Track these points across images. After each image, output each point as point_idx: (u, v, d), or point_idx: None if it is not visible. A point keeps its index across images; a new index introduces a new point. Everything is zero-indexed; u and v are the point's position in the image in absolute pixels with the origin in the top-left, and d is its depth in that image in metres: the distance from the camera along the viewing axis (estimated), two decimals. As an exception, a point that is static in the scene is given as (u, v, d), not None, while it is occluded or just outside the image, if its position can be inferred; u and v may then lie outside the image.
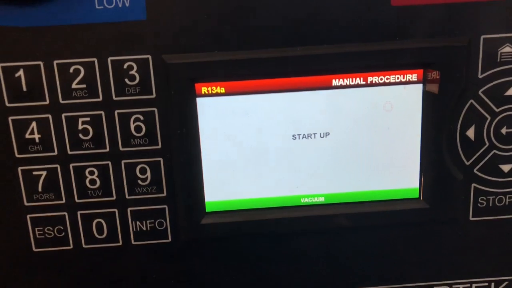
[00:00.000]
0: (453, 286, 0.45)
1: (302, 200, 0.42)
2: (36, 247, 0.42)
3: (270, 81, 0.39)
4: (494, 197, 0.42)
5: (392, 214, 0.42)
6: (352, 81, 0.40)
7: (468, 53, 0.39)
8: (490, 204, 0.42)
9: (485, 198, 0.42)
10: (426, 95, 0.40)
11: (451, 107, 0.40)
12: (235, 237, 0.43)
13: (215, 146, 0.41)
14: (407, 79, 0.40)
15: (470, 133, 0.41)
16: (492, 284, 0.45)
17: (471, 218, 0.43)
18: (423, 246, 0.44)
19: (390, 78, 0.40)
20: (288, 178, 0.42)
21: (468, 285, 0.45)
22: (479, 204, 0.43)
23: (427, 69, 0.39)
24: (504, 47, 0.39)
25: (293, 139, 0.41)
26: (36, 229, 0.42)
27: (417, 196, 0.43)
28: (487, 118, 0.40)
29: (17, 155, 0.40)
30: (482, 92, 0.40)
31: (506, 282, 0.45)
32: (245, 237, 0.43)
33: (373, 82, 0.40)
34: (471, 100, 0.40)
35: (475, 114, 0.40)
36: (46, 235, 0.42)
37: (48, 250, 0.42)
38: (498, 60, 0.39)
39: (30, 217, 0.41)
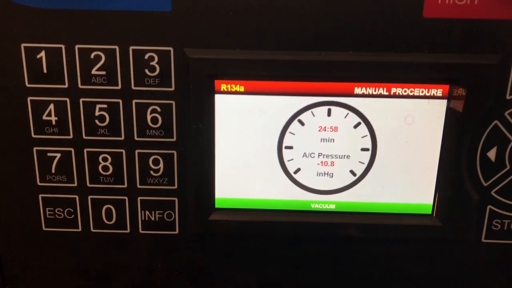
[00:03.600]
0: (458, 306, 0.45)
1: (312, 206, 0.42)
2: (46, 227, 0.43)
3: (290, 83, 0.39)
4: (509, 221, 0.41)
5: (402, 229, 0.41)
6: (375, 91, 0.39)
7: (498, 73, 0.37)
8: (505, 228, 0.41)
9: (500, 221, 0.41)
10: (449, 112, 0.39)
11: (474, 126, 0.39)
12: (242, 236, 0.43)
13: (229, 143, 0.40)
14: (432, 94, 0.39)
15: (492, 154, 0.40)
16: (499, 308, 0.45)
17: (483, 240, 0.42)
18: (432, 264, 0.43)
19: (414, 91, 0.39)
20: (300, 182, 0.41)
21: (474, 306, 0.45)
22: (493, 227, 0.42)
23: (453, 85, 0.38)
24: (536, 69, 0.37)
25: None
26: (47, 209, 0.42)
27: (430, 212, 0.42)
28: (510, 141, 0.39)
29: (33, 136, 0.40)
30: (509, 114, 0.39)
31: (513, 307, 0.44)
32: (252, 236, 0.43)
33: (397, 93, 0.39)
34: (496, 121, 0.39)
35: (498, 135, 0.39)
36: (56, 215, 0.42)
37: (57, 231, 0.43)
38: (529, 82, 0.38)
39: (42, 197, 0.42)
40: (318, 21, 0.37)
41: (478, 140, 0.39)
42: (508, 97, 0.38)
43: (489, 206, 0.41)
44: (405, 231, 0.41)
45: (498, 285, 0.44)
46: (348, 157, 0.41)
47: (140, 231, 0.42)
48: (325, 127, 0.40)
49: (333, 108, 0.39)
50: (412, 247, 0.43)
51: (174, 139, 0.40)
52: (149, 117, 0.39)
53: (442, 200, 0.41)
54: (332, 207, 0.42)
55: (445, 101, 0.39)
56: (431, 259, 0.43)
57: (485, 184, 0.40)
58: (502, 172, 0.40)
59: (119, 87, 0.39)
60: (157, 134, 0.40)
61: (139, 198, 0.41)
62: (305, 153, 0.41)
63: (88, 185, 0.41)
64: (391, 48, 0.37)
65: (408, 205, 0.42)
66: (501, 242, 0.42)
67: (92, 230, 0.43)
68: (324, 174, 0.41)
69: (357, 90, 0.39)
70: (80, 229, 0.43)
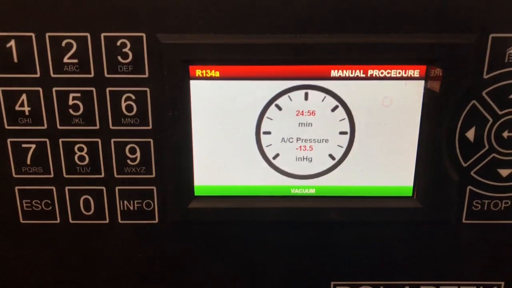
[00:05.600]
0: (441, 287, 0.45)
1: (292, 191, 0.42)
2: (23, 219, 0.42)
3: (266, 67, 0.38)
4: (489, 201, 0.41)
5: (383, 212, 0.41)
6: (352, 73, 0.38)
7: (475, 52, 0.37)
8: (485, 208, 0.41)
9: (480, 202, 0.41)
10: (427, 93, 0.39)
11: (452, 106, 0.38)
12: (222, 223, 0.42)
13: (207, 130, 0.40)
14: (409, 75, 0.38)
15: (470, 134, 0.39)
16: (481, 288, 0.45)
17: (464, 221, 0.42)
18: (413, 245, 0.43)
19: (391, 73, 0.38)
20: (279, 167, 0.41)
21: (456, 287, 0.45)
22: (473, 207, 0.41)
23: (430, 65, 0.38)
24: (513, 48, 0.37)
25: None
26: (24, 201, 0.41)
27: (410, 194, 0.42)
28: (488, 120, 0.39)
29: (6, 127, 0.39)
30: (486, 93, 0.38)
31: (495, 287, 0.44)
32: (233, 223, 0.42)
33: (373, 75, 0.38)
34: (474, 101, 0.39)
35: (476, 115, 0.39)
36: (34, 207, 0.42)
37: (35, 223, 0.42)
38: (506, 61, 0.37)
39: (18, 189, 0.41)
40: (292, 3, 0.36)
41: (456, 121, 0.39)
42: (485, 77, 0.38)
43: (469, 187, 0.41)
44: (386, 214, 0.41)
45: (480, 266, 0.44)
46: (326, 141, 0.40)
47: (120, 221, 0.42)
48: (302, 111, 0.39)
49: (310, 91, 0.39)
50: (394, 229, 0.42)
51: (150, 127, 0.39)
52: (123, 105, 0.39)
53: (422, 182, 0.41)
54: (312, 191, 0.42)
55: (422, 82, 0.39)
56: (413, 241, 0.43)
57: (464, 165, 0.40)
58: (481, 152, 0.40)
59: (92, 75, 0.38)
60: (132, 122, 0.39)
61: (117, 188, 0.41)
62: (283, 138, 0.40)
63: (65, 175, 0.41)
64: (367, 30, 0.37)
65: (388, 188, 0.41)
66: (481, 222, 0.42)
67: (70, 221, 0.42)
68: (303, 158, 0.41)
69: (334, 73, 0.38)
70: (58, 221, 0.42)
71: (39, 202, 0.41)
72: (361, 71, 0.38)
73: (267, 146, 0.40)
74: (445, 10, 0.36)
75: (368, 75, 0.38)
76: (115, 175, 0.41)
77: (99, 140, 0.40)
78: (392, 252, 0.43)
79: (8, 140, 0.39)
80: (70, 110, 0.39)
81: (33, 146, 0.40)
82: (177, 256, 0.43)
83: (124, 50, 0.37)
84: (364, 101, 0.39)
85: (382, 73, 0.38)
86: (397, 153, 0.40)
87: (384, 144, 0.40)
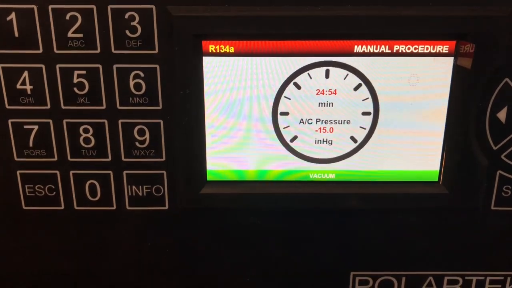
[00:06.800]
0: (466, 278, 0.42)
1: (311, 176, 0.39)
2: (26, 205, 0.40)
3: (284, 43, 0.36)
4: (520, 186, 0.39)
5: (407, 198, 0.39)
6: (376, 49, 0.36)
7: (509, 26, 0.34)
8: (516, 194, 0.39)
9: (510, 187, 0.39)
10: (456, 70, 0.36)
11: (483, 85, 0.36)
12: (235, 210, 0.40)
13: (220, 110, 0.37)
14: (437, 51, 0.36)
15: (502, 115, 0.37)
16: (508, 279, 0.42)
17: (493, 208, 0.40)
18: (438, 233, 0.41)
19: (418, 48, 0.36)
20: (297, 151, 0.39)
21: (483, 277, 0.42)
22: (503, 193, 0.39)
23: (460, 40, 0.36)
24: (551, 21, 0.35)
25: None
26: (26, 186, 0.39)
27: (436, 179, 0.39)
28: (522, 100, 0.37)
29: (7, 106, 0.37)
30: (520, 70, 0.36)
31: (524, 278, 0.42)
32: (247, 210, 0.40)
33: (399, 51, 0.36)
34: (507, 79, 0.36)
35: (509, 94, 0.36)
36: (37, 193, 0.40)
37: (38, 209, 0.40)
38: (542, 35, 0.35)
39: (20, 173, 0.39)
40: (313, -27, 0.34)
41: (487, 100, 0.37)
42: (520, 52, 0.35)
43: (499, 171, 0.39)
44: (410, 201, 0.39)
45: (508, 255, 0.42)
46: (348, 122, 0.38)
47: (127, 207, 0.40)
48: (323, 90, 0.37)
49: (331, 69, 0.37)
50: (418, 217, 0.40)
51: (160, 107, 0.37)
52: (132, 83, 0.36)
53: (449, 166, 0.39)
54: (332, 176, 0.39)
55: (451, 59, 0.36)
56: (438, 229, 0.41)
57: (494, 148, 0.38)
58: (513, 134, 0.38)
59: (98, 51, 0.36)
60: (141, 101, 0.37)
61: (124, 172, 0.39)
62: (302, 119, 0.38)
63: (69, 159, 0.38)
64: (393, 2, 0.34)
65: (413, 173, 0.39)
66: (511, 209, 0.40)
67: (75, 207, 0.40)
68: (323, 141, 0.39)
69: (357, 49, 0.36)
70: (62, 207, 0.40)
71: (42, 187, 0.39)
72: (387, 46, 0.36)
73: (284, 128, 0.38)
74: (478, -20, 0.34)
75: (394, 51, 0.36)
76: (123, 159, 0.38)
77: (106, 121, 0.37)
78: (415, 241, 0.41)
79: (9, 121, 0.37)
80: (75, 89, 0.36)
81: (36, 127, 0.38)
82: (188, 245, 0.41)
83: (132, 23, 0.35)
84: (389, 79, 0.37)
85: (408, 48, 0.36)
86: (423, 136, 0.38)
87: (410, 125, 0.38)
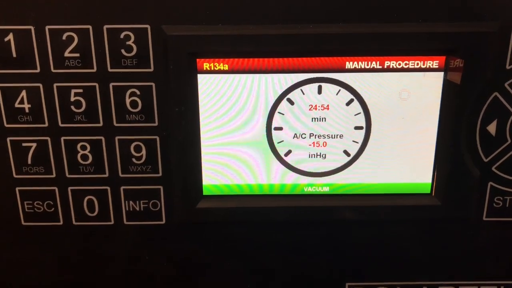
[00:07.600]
0: (460, 287, 0.43)
1: (305, 189, 0.40)
2: (25, 221, 0.40)
3: (277, 60, 0.36)
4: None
5: (400, 210, 0.39)
6: (368, 65, 0.37)
7: (497, 41, 0.35)
8: (507, 205, 0.40)
9: (501, 198, 0.40)
10: (446, 84, 0.37)
11: (473, 99, 0.37)
12: (231, 223, 0.40)
13: (215, 126, 0.38)
14: (427, 66, 0.37)
15: (492, 128, 0.38)
16: (501, 288, 0.43)
17: (484, 218, 0.40)
18: (431, 244, 0.41)
19: (409, 64, 0.37)
20: (291, 165, 0.39)
21: (476, 287, 0.43)
22: (494, 204, 0.40)
23: (450, 56, 0.36)
24: (538, 37, 0.35)
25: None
26: (25, 202, 0.40)
27: (428, 191, 0.40)
28: (511, 113, 0.37)
29: (6, 125, 0.38)
30: (509, 85, 0.36)
31: (517, 287, 0.43)
32: (242, 223, 0.40)
33: (390, 67, 0.37)
34: (496, 93, 0.37)
35: (498, 108, 0.37)
36: (36, 209, 0.40)
37: (37, 225, 0.41)
38: (530, 50, 0.36)
39: (19, 190, 0.39)
40: (304, -8, 0.34)
41: (477, 114, 0.37)
42: (508, 67, 0.36)
43: (490, 183, 0.39)
44: (403, 212, 0.39)
45: (501, 265, 0.42)
46: (341, 136, 0.38)
47: (125, 222, 0.40)
48: (316, 105, 0.38)
49: (323, 84, 0.37)
50: (411, 228, 0.41)
51: (156, 124, 0.37)
52: (128, 100, 0.37)
53: (441, 178, 0.39)
54: (326, 189, 0.40)
55: (441, 74, 0.37)
56: (431, 239, 0.41)
57: (485, 160, 0.39)
58: (503, 146, 0.38)
59: (95, 69, 0.36)
60: (137, 118, 0.37)
61: (122, 188, 0.39)
62: (295, 134, 0.39)
63: (68, 175, 0.39)
64: (383, 19, 0.35)
65: (405, 185, 0.40)
66: (503, 220, 0.40)
67: (74, 223, 0.40)
68: (317, 155, 0.39)
69: (349, 65, 0.37)
70: (61, 223, 0.40)
71: (41, 203, 0.40)
72: (378, 62, 0.36)
73: (278, 143, 0.39)
74: (467, -3, 0.35)
75: (385, 66, 0.37)
76: (120, 175, 0.39)
77: (103, 138, 0.38)
78: (409, 252, 0.42)
79: (8, 139, 0.38)
80: (72, 107, 0.37)
81: (34, 145, 0.38)
82: (185, 258, 0.42)
83: (128, 43, 0.35)
84: (381, 94, 0.37)
85: (399, 64, 0.37)
86: (415, 149, 0.39)
87: (401, 139, 0.38)
